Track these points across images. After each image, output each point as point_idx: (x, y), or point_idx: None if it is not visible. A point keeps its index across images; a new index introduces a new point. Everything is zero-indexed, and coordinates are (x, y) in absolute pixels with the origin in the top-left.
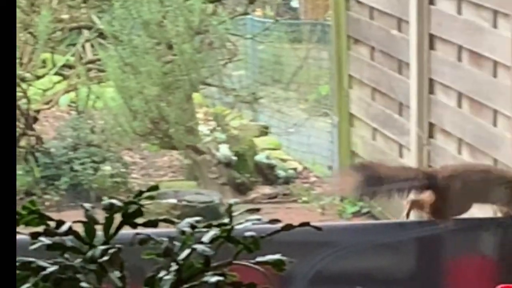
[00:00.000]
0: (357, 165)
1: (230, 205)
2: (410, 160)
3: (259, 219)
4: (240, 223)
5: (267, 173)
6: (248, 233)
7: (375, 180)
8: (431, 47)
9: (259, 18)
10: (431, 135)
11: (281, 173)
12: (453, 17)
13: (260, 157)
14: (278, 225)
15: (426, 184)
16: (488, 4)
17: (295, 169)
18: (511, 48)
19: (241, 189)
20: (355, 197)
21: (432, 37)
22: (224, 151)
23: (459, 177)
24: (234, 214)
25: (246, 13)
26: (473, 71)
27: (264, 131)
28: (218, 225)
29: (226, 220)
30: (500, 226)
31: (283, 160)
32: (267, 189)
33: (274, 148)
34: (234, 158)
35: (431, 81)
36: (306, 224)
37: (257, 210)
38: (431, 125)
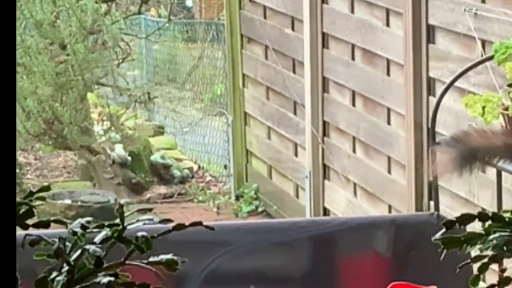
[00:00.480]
0: (449, 140)
1: (121, 206)
2: (304, 159)
3: (150, 219)
4: (132, 223)
5: (162, 173)
6: (140, 233)
7: (470, 154)
8: (325, 45)
9: (153, 18)
10: (325, 134)
11: (177, 172)
12: (346, 16)
13: (155, 157)
14: (170, 225)
15: None
16: (381, 3)
17: (190, 168)
18: (403, 46)
19: (136, 189)
20: (456, 175)
21: (325, 36)
22: (119, 151)
23: None
24: (126, 214)
25: (140, 13)
26: (367, 70)
27: (160, 130)
28: (110, 226)
29: (117, 221)
30: (393, 224)
31: (179, 160)
32: (162, 189)
33: (169, 148)
34: (129, 158)
35: (325, 79)
36: (198, 223)
37: (149, 210)
38: (325, 124)
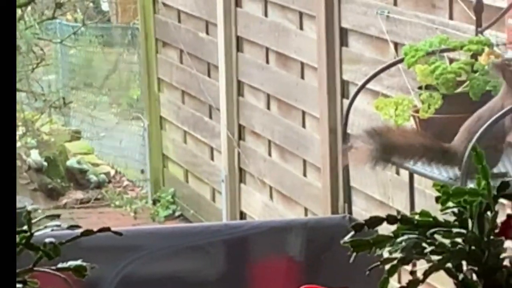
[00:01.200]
0: (370, 131)
1: (28, 212)
2: (220, 162)
3: (58, 225)
4: (40, 230)
5: (79, 178)
6: (47, 240)
7: (388, 148)
8: (239, 49)
9: (69, 23)
10: (241, 137)
11: (93, 177)
12: (260, 19)
13: (72, 162)
14: (79, 231)
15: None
16: (294, 6)
17: (107, 173)
18: (317, 49)
19: (52, 194)
20: (370, 167)
21: (240, 39)
22: (34, 156)
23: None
24: (34, 220)
25: (54, 17)
26: (281, 73)
27: (76, 136)
28: (18, 232)
29: (25, 227)
30: (305, 227)
31: (96, 165)
32: (79, 194)
33: (86, 153)
34: (45, 163)
35: (240, 83)
36: (107, 229)
37: (57, 216)
38: (241, 127)
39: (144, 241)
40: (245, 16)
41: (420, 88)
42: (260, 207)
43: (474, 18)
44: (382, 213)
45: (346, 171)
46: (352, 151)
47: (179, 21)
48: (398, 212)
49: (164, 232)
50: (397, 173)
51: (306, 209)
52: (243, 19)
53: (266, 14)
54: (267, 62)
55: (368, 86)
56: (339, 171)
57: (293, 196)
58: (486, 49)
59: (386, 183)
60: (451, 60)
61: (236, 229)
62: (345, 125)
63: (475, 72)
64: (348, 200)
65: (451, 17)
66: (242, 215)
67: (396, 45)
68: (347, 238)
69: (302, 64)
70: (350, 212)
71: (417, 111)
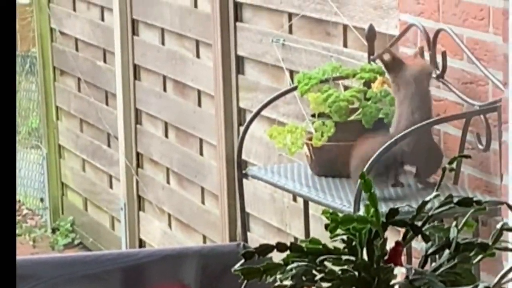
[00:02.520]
0: None
1: None
2: (119, 190)
3: None
4: None
5: None
6: None
7: None
8: (137, 77)
9: None
10: (139, 165)
11: None
12: (157, 47)
13: None
14: None
15: None
16: (191, 34)
17: None
18: (213, 77)
19: None
20: None
21: (137, 68)
22: None
23: None
24: None
25: None
26: (178, 101)
27: None
28: None
29: None
30: (199, 255)
31: None
32: None
33: None
34: None
35: (137, 111)
36: None
37: None
38: (139, 155)
39: (39, 270)
40: (142, 44)
41: (313, 116)
42: (159, 235)
43: (366, 44)
44: (280, 240)
45: (241, 198)
46: None
47: (77, 50)
48: (296, 239)
49: (60, 260)
50: (294, 199)
51: (204, 237)
52: (140, 47)
53: (163, 42)
54: (165, 90)
55: (264, 113)
56: (236, 199)
57: (192, 223)
58: (378, 77)
59: (283, 210)
60: (346, 87)
61: (131, 257)
62: (239, 151)
63: (368, 99)
64: (243, 227)
65: (345, 45)
66: (142, 243)
67: (291, 72)
68: (237, 266)
69: (199, 92)
70: (246, 240)
71: (310, 139)
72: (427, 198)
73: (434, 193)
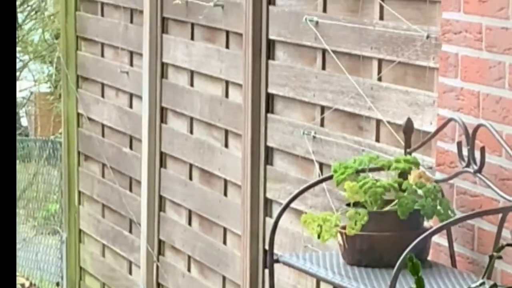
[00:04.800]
0: None
1: None
2: (139, 277)
3: None
4: None
5: None
6: None
7: None
8: (162, 165)
9: None
10: (161, 252)
11: None
12: (185, 136)
13: None
14: None
15: None
16: (220, 124)
17: (22, 284)
18: (241, 167)
19: None
20: None
21: (163, 155)
22: None
23: None
24: None
25: None
26: (204, 189)
27: None
28: None
29: None
30: None
31: None
32: None
33: None
34: None
35: (162, 198)
36: None
37: None
38: (161, 242)
39: None
40: (170, 132)
41: (348, 205)
42: None
43: (400, 140)
44: None
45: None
46: None
47: (103, 135)
48: None
49: None
50: None
51: None
52: (167, 135)
53: (191, 131)
54: (190, 178)
55: (292, 204)
56: None
57: None
58: (415, 168)
59: None
60: None
61: None
62: (271, 243)
63: (403, 191)
64: None
65: (377, 140)
66: None
67: (321, 165)
68: None
69: (226, 181)
70: None
71: (344, 228)
72: (473, 285)
73: (480, 280)
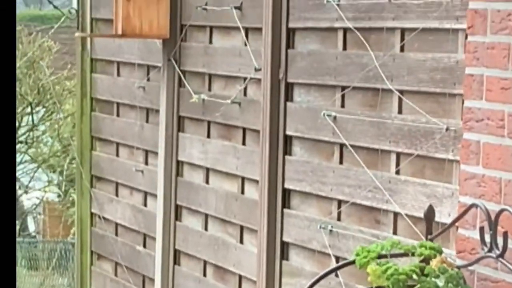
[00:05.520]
0: None
1: None
2: None
3: None
4: None
5: None
6: None
7: None
8: (176, 262)
9: None
10: None
11: None
12: (199, 233)
13: None
14: None
15: None
16: (235, 220)
17: None
18: (257, 262)
19: None
20: None
21: (177, 253)
22: None
23: None
24: None
25: None
26: (218, 286)
27: None
28: None
29: None
30: None
31: None
32: None
33: None
34: None
35: None
36: None
37: None
38: None
39: None
40: (184, 229)
41: None
42: None
43: (419, 233)
44: None
45: None
46: None
47: (116, 234)
48: None
49: None
50: None
51: None
52: (182, 233)
53: (206, 228)
54: (204, 275)
55: None
56: None
57: None
58: (438, 255)
59: None
60: None
61: None
62: None
63: (426, 275)
64: None
65: (395, 232)
66: None
67: (337, 259)
68: None
69: (240, 277)
70: None
71: None
72: None
73: None
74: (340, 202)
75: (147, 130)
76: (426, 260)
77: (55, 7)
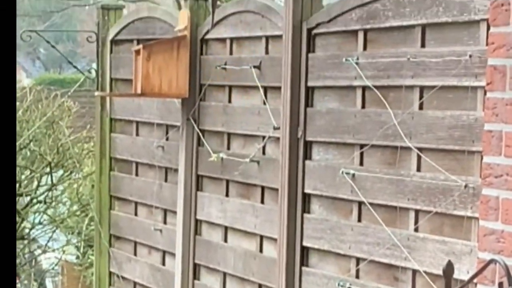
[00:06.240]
0: None
1: None
2: None
3: None
4: None
5: None
6: None
7: None
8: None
9: None
10: None
11: None
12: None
13: None
14: None
15: None
16: (254, 278)
17: None
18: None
19: None
20: None
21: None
22: None
23: None
24: None
25: None
26: None
27: None
28: None
29: None
30: None
31: None
32: None
33: None
34: None
35: None
36: None
37: None
38: None
39: None
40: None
41: None
42: None
43: None
44: None
45: None
46: None
47: None
48: None
49: None
50: None
51: None
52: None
53: (224, 287)
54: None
55: None
56: None
57: None
58: None
59: None
60: None
61: None
62: None
63: None
64: None
65: None
66: None
67: None
68: None
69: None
70: None
71: None
72: None
73: None
74: (358, 260)
75: (166, 189)
76: None
77: (74, 67)
